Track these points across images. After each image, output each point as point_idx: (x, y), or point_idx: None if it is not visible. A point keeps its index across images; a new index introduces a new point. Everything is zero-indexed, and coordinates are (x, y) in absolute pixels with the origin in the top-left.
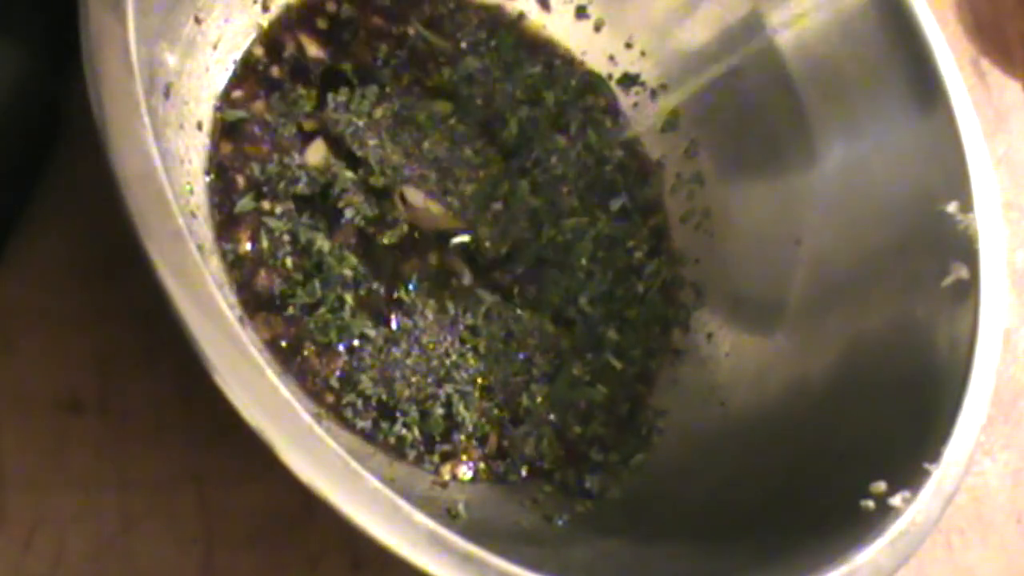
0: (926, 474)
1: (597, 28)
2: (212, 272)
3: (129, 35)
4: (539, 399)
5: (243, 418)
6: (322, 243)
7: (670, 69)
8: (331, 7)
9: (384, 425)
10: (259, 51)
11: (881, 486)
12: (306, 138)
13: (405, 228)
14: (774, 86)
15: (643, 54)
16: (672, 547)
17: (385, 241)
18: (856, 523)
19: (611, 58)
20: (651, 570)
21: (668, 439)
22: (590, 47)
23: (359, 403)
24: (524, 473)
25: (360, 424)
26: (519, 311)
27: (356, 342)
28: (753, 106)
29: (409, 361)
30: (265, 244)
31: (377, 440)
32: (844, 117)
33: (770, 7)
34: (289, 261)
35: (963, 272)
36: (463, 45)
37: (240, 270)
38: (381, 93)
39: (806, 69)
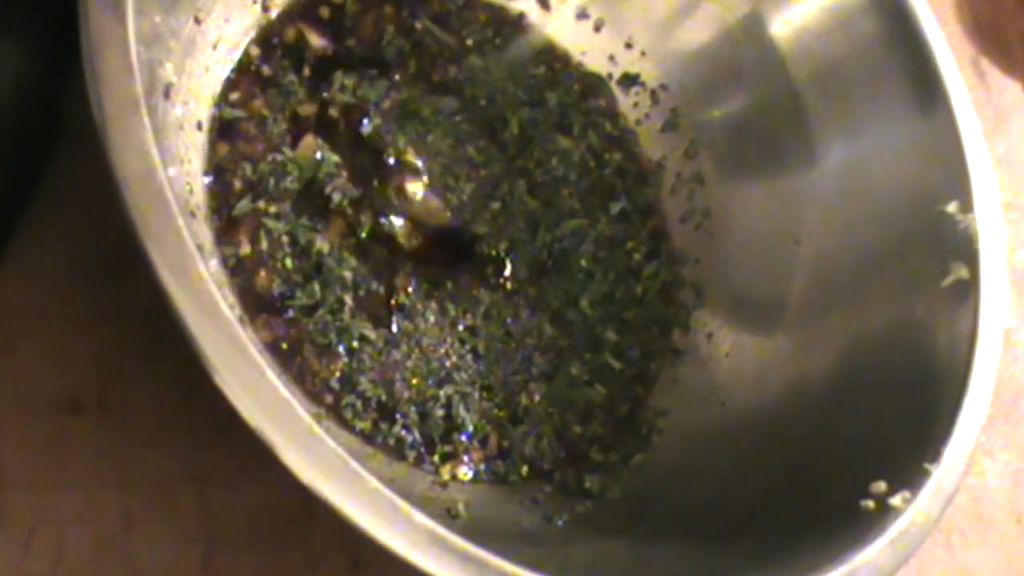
0: (926, 474)
1: (597, 28)
2: (212, 273)
3: (129, 35)
4: (538, 399)
5: (243, 418)
6: (321, 245)
7: (670, 69)
8: None
9: (383, 426)
10: (257, 50)
11: (881, 486)
12: (299, 131)
13: (397, 221)
14: (774, 86)
15: (643, 54)
16: (672, 547)
17: (366, 234)
18: (856, 523)
19: (611, 58)
20: (651, 570)
21: (668, 439)
22: (590, 47)
23: (359, 404)
24: (524, 473)
25: (359, 425)
26: (519, 312)
27: (356, 344)
28: (753, 106)
29: (409, 363)
30: (264, 245)
31: (376, 441)
32: (844, 117)
33: (770, 7)
34: (289, 262)
35: (963, 272)
36: (468, 42)
37: (240, 271)
38: (390, 84)
39: (806, 69)
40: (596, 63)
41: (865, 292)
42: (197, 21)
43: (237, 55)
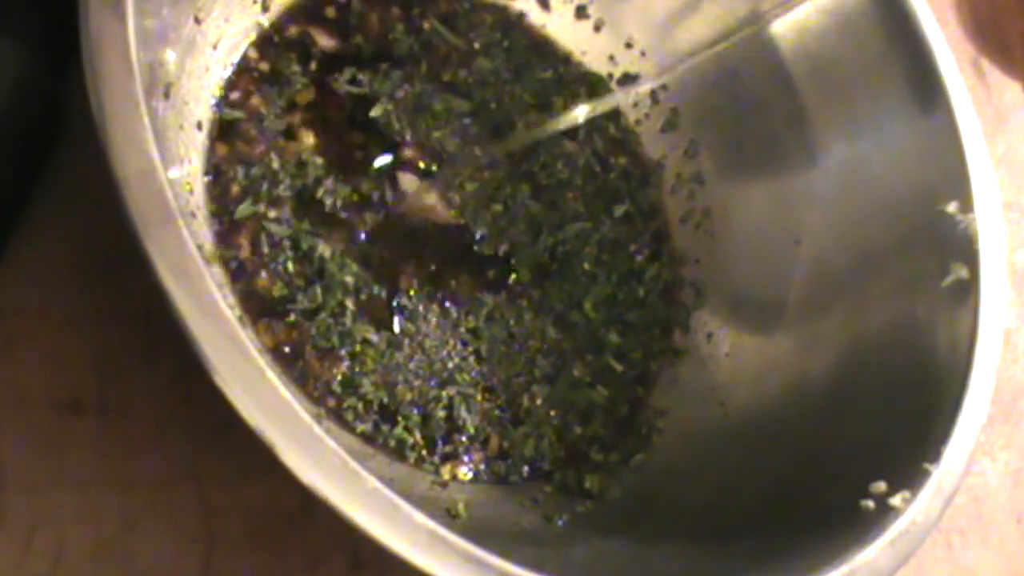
0: (926, 474)
1: (597, 28)
2: (212, 274)
3: (129, 35)
4: (540, 400)
5: (243, 418)
6: (323, 250)
7: (670, 69)
8: None
9: (384, 428)
10: (257, 50)
11: (881, 486)
12: (293, 124)
13: (382, 216)
14: (774, 86)
15: (643, 54)
16: (672, 547)
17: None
18: (856, 523)
19: (611, 58)
20: (651, 570)
21: (668, 439)
22: (590, 47)
23: (360, 406)
24: (524, 473)
25: (360, 427)
26: (522, 314)
27: (358, 347)
28: (753, 106)
29: (411, 365)
30: (266, 249)
31: (377, 442)
32: (844, 117)
33: (770, 7)
34: (290, 266)
35: (963, 272)
36: (476, 45)
37: (242, 275)
38: (405, 75)
39: (806, 69)
40: (596, 63)
41: (865, 292)
42: (197, 21)
43: (237, 55)
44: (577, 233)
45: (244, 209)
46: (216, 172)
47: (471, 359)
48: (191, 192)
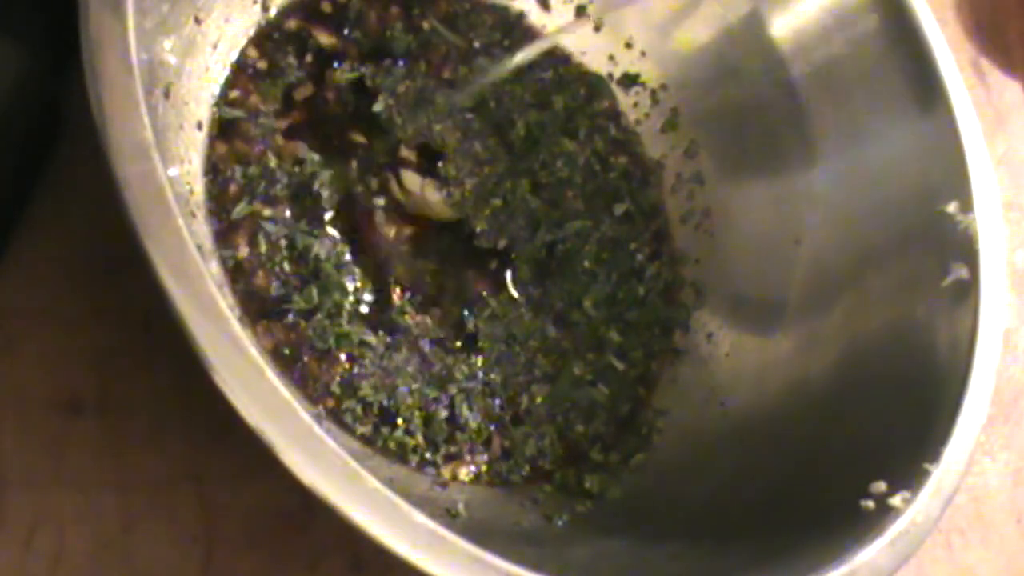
0: (926, 474)
1: (597, 28)
2: (212, 274)
3: (129, 35)
4: (541, 400)
5: (243, 418)
6: (319, 250)
7: (670, 69)
8: None
9: (384, 430)
10: (257, 49)
11: (881, 486)
12: (290, 119)
13: (380, 214)
14: (774, 86)
15: (643, 54)
16: (672, 547)
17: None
18: (856, 523)
19: (611, 58)
20: (651, 570)
21: (668, 439)
22: (590, 47)
23: (359, 409)
24: (525, 473)
25: (360, 429)
26: (522, 313)
27: (356, 349)
28: (753, 106)
29: (410, 367)
30: (263, 248)
31: (377, 445)
32: (844, 117)
33: (770, 7)
34: (287, 266)
35: (963, 272)
36: (476, 45)
37: (239, 273)
38: (407, 70)
39: (806, 69)
40: (596, 63)
41: (865, 292)
42: (197, 21)
43: (236, 55)
44: (577, 231)
45: (242, 208)
46: (215, 171)
47: (471, 359)
48: (191, 192)
